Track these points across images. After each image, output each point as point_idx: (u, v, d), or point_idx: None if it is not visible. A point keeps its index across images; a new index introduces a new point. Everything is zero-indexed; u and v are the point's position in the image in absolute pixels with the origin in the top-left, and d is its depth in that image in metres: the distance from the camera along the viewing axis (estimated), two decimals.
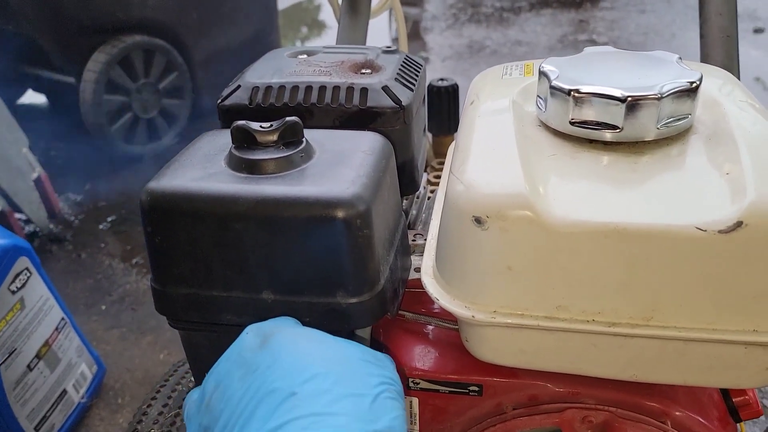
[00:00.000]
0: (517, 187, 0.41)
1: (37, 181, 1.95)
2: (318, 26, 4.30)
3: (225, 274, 0.45)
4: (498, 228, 0.41)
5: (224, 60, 2.66)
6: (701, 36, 0.87)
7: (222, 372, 0.39)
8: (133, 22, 2.27)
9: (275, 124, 0.46)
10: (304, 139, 0.47)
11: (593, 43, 3.82)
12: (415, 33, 4.19)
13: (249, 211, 0.42)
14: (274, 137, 0.46)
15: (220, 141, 0.51)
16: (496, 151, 0.46)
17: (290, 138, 0.47)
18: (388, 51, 0.66)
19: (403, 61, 0.64)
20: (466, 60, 3.54)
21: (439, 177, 0.95)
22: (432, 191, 0.78)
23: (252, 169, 0.45)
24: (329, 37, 4.08)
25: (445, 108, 1.08)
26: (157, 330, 1.52)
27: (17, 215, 1.86)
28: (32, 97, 2.76)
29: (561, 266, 0.40)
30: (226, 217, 0.43)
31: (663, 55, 0.50)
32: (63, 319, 1.18)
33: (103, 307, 1.62)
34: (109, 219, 2.05)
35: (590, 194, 0.42)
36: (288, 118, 0.47)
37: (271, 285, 0.45)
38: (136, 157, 2.40)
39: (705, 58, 0.77)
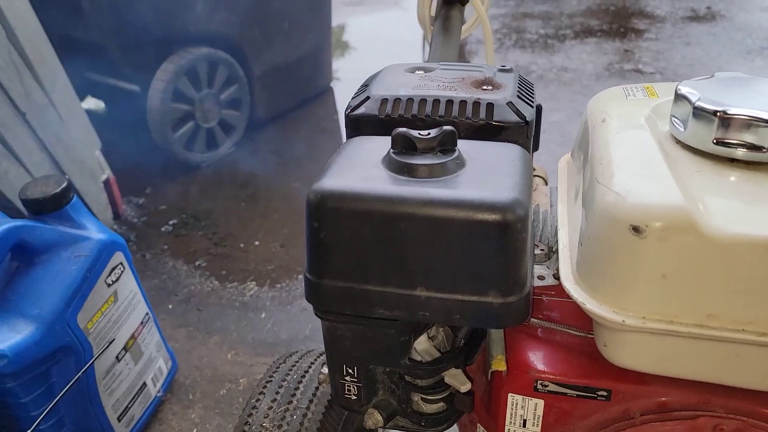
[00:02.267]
0: (675, 198, 0.44)
1: (106, 183, 2.03)
2: (341, 47, 4.40)
3: (382, 270, 0.48)
4: (656, 237, 0.43)
5: (279, 75, 2.74)
6: None
7: None
8: (201, 35, 2.35)
9: (433, 132, 0.50)
10: (457, 148, 0.50)
11: (639, 72, 3.82)
12: (460, 56, 4.23)
13: (416, 211, 0.46)
14: (433, 144, 0.49)
15: (370, 146, 0.54)
16: (643, 164, 0.49)
17: (446, 146, 0.50)
18: (503, 70, 0.69)
19: (519, 80, 0.67)
20: None
21: None
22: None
23: (412, 172, 0.48)
24: (352, 57, 4.16)
25: None
26: (223, 331, 1.57)
27: None
28: (89, 103, 2.87)
29: (717, 276, 0.43)
30: (392, 216, 0.46)
31: None
32: (147, 314, 1.23)
33: (170, 307, 1.67)
34: (171, 222, 2.12)
35: (743, 209, 0.44)
36: (445, 127, 0.50)
37: (425, 282, 0.48)
38: (194, 164, 2.47)
39: None
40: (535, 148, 1.20)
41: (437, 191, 0.46)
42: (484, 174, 0.49)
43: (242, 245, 1.96)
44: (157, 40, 2.29)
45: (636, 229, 0.44)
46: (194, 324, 1.59)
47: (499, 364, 0.54)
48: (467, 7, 1.03)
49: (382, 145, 0.53)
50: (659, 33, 4.50)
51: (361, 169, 0.51)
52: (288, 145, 2.66)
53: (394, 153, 0.50)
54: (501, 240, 0.45)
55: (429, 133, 0.50)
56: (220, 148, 2.56)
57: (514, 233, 0.45)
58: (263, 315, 1.63)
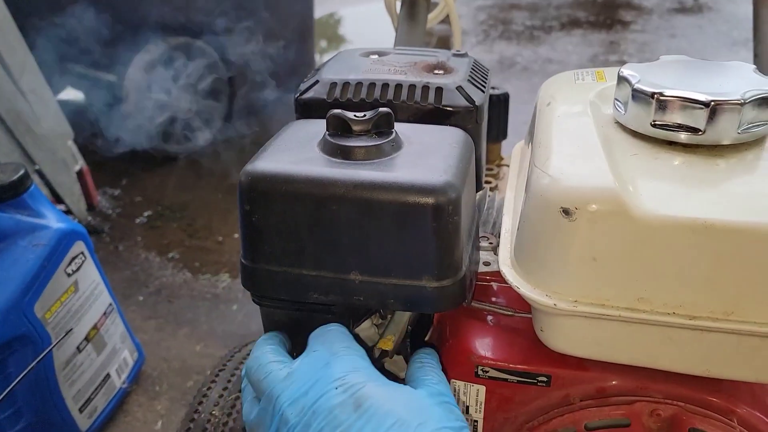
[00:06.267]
0: (605, 181, 0.43)
1: (79, 174, 2.00)
2: (337, 40, 4.38)
3: (316, 254, 0.47)
4: (586, 219, 0.43)
5: (259, 65, 2.72)
6: (755, 55, 0.89)
7: (309, 424, 0.40)
8: (178, 25, 2.33)
9: (369, 114, 0.49)
10: (393, 131, 0.49)
11: (624, 63, 3.84)
12: (444, 48, 4.22)
13: (346, 193, 0.45)
14: (368, 126, 0.48)
15: (309, 129, 0.53)
16: (580, 148, 0.48)
17: (382, 128, 0.49)
18: (457, 54, 0.68)
19: (473, 65, 0.66)
20: (497, 75, 3.57)
21: (488, 183, 0.97)
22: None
23: (346, 155, 0.47)
24: (342, 47, 4.16)
25: (494, 116, 1.10)
26: (193, 323, 1.55)
27: (59, 206, 1.91)
28: (69, 94, 2.83)
29: (646, 259, 0.42)
30: (323, 198, 0.45)
31: (739, 65, 0.52)
32: (111, 304, 1.22)
33: (141, 298, 1.65)
34: (145, 214, 2.10)
35: (676, 191, 0.44)
36: (381, 109, 0.49)
37: (359, 266, 0.47)
38: (171, 155, 2.45)
39: None
40: (503, 136, 1.19)
41: (368, 173, 0.45)
42: (419, 157, 0.48)
43: (220, 238, 1.95)
44: (134, 30, 2.26)
45: (566, 212, 0.43)
46: (164, 316, 1.58)
47: (386, 344, 0.53)
48: None
49: (322, 128, 0.52)
50: (645, 25, 4.51)
51: (297, 151, 0.50)
52: (267, 137, 2.62)
53: (329, 135, 0.49)
54: (432, 223, 0.44)
55: (364, 115, 0.49)
56: (198, 139, 2.54)
57: (445, 216, 0.44)
58: (235, 307, 1.62)
